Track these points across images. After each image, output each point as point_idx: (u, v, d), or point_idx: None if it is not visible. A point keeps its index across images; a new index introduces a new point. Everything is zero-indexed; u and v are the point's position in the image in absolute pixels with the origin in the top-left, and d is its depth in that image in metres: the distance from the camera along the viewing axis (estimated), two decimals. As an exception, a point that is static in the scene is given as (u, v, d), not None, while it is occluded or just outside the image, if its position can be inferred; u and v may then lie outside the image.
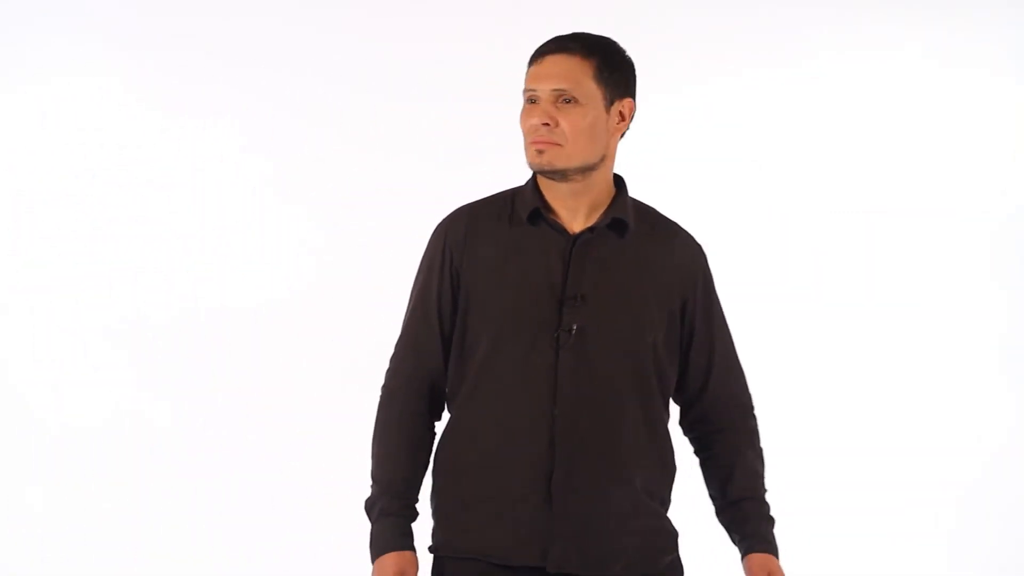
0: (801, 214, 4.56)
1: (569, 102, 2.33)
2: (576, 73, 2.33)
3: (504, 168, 4.36)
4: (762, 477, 2.49)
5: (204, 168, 4.46)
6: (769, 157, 4.55)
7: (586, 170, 2.36)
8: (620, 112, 2.38)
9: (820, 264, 4.55)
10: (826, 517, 4.50)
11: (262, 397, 4.40)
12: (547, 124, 2.32)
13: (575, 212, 2.39)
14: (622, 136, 2.44)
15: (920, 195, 4.58)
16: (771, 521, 2.50)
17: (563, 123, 2.32)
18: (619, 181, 2.46)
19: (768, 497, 2.51)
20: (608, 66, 2.36)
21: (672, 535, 2.47)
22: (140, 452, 4.41)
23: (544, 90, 2.33)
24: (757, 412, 2.55)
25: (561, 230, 2.38)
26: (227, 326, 4.42)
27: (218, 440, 4.38)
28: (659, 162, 4.46)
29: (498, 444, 2.34)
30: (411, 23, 4.45)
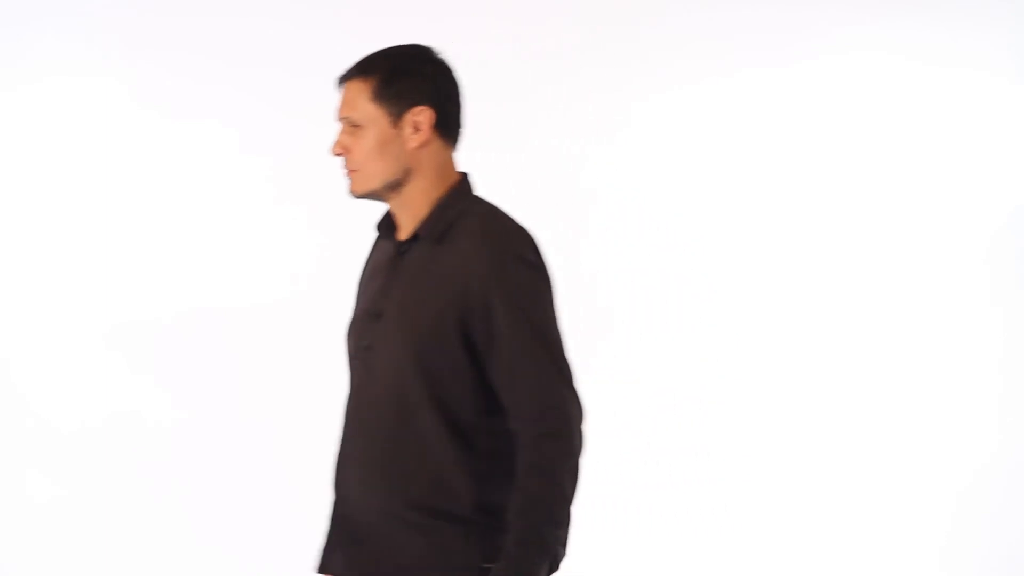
0: (798, 215, 4.56)
1: (357, 127, 2.37)
2: (355, 98, 2.38)
3: (503, 168, 4.38)
4: (530, 506, 2.25)
5: (203, 168, 4.46)
6: (766, 158, 4.55)
7: (394, 187, 2.37)
8: (414, 123, 2.35)
9: (816, 265, 4.56)
10: (822, 521, 4.50)
11: (262, 397, 4.41)
12: (340, 154, 2.39)
13: (405, 227, 2.40)
14: (454, 140, 2.40)
15: (918, 196, 4.58)
16: (519, 557, 2.25)
17: (353, 150, 2.37)
18: (457, 186, 2.40)
19: (534, 526, 2.25)
20: (390, 81, 2.35)
21: (452, 554, 2.31)
22: (140, 452, 4.41)
23: (340, 120, 2.40)
24: (572, 434, 2.29)
25: (397, 245, 2.42)
26: (227, 326, 4.42)
27: (218, 439, 4.39)
28: (656, 162, 4.46)
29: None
30: (409, 23, 4.46)
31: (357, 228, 4.48)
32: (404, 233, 2.40)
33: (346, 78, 2.41)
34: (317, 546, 2.44)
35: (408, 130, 2.35)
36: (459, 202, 2.37)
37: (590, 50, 4.37)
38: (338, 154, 2.40)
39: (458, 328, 2.28)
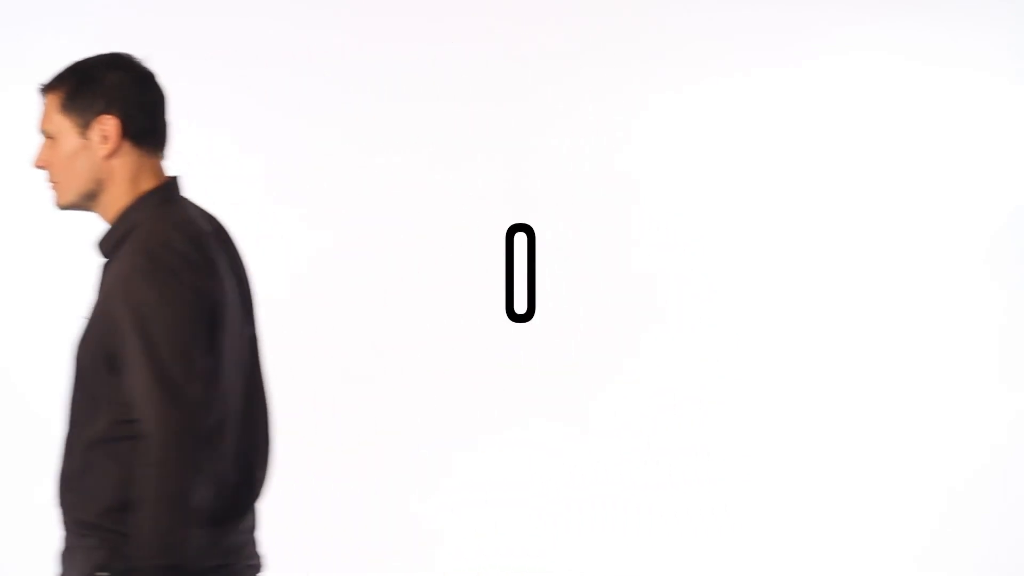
0: (798, 215, 4.56)
1: (53, 139, 2.36)
2: (48, 110, 2.37)
3: (503, 168, 4.37)
4: (140, 506, 2.21)
5: (202, 168, 4.45)
6: (767, 159, 4.55)
7: (90, 198, 2.37)
8: (101, 132, 2.35)
9: (816, 265, 4.56)
10: (822, 520, 4.50)
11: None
12: (40, 167, 2.38)
13: None
14: (152, 148, 2.41)
15: (918, 196, 4.58)
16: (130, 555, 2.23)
17: (52, 162, 2.37)
18: (142, 197, 2.38)
19: (140, 527, 2.22)
20: (76, 92, 2.35)
21: (76, 562, 2.31)
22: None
23: (40, 132, 2.39)
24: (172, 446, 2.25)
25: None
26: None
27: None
28: (656, 162, 4.46)
29: None
30: (409, 23, 4.46)
31: (356, 228, 4.50)
32: None
33: (42, 91, 2.40)
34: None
35: (96, 140, 2.35)
36: (136, 213, 2.36)
37: (591, 50, 4.37)
38: (39, 167, 2.39)
39: (103, 344, 2.28)
